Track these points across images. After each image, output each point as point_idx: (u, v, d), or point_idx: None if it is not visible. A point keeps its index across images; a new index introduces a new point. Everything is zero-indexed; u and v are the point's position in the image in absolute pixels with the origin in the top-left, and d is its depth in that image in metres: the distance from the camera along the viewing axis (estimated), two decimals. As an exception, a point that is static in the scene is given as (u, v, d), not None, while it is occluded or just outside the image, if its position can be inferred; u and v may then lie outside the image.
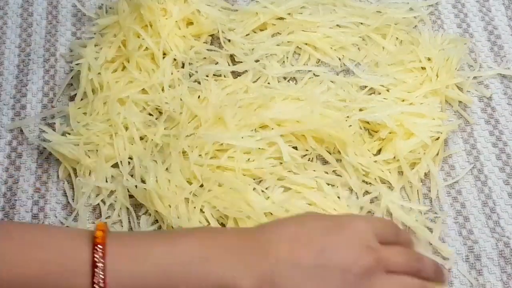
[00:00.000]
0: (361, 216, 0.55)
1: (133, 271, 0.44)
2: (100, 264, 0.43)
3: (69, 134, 0.64)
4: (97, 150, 0.63)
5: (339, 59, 0.70)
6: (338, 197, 0.61)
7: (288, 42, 0.70)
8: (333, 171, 0.63)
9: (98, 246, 0.44)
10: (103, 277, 0.43)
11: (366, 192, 0.62)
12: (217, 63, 0.69)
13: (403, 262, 0.50)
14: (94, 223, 0.61)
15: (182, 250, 0.45)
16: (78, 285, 0.44)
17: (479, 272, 0.59)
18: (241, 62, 0.69)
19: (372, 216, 0.57)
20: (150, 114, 0.66)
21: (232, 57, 0.70)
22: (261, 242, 0.47)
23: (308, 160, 0.62)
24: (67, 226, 0.59)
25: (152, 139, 0.63)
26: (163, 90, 0.66)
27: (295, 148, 0.63)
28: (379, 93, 0.67)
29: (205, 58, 0.69)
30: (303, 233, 0.47)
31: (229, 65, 0.69)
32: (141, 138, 0.64)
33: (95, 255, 0.44)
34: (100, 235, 0.45)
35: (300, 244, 0.46)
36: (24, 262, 0.44)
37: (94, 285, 0.43)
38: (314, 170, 0.62)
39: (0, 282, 0.43)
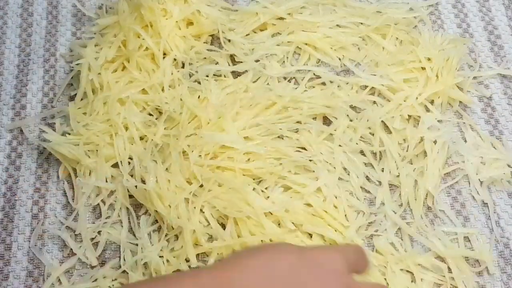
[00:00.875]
0: (332, 249, 0.50)
1: None
2: None
3: (69, 134, 0.64)
4: (97, 150, 0.63)
5: (339, 59, 0.70)
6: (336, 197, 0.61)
7: (288, 42, 0.70)
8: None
9: None
10: None
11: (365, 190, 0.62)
12: (217, 63, 0.69)
13: None
14: (94, 223, 0.61)
15: None
16: None
17: (479, 273, 0.59)
18: (241, 62, 0.69)
19: (341, 246, 0.53)
20: (150, 114, 0.66)
21: (232, 57, 0.69)
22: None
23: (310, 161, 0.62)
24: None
25: (152, 139, 0.63)
26: (163, 90, 0.66)
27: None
28: (379, 93, 0.67)
29: (205, 58, 0.69)
30: (274, 275, 0.42)
31: (229, 65, 0.69)
32: (141, 138, 0.64)
33: None
34: None
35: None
36: None
37: None
38: (313, 171, 0.62)
39: None
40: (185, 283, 0.42)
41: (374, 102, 0.66)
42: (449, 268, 0.58)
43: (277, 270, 0.43)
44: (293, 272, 0.43)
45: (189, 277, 0.44)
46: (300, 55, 0.70)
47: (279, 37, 0.70)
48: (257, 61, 0.69)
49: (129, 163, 0.62)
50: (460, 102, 0.67)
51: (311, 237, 0.59)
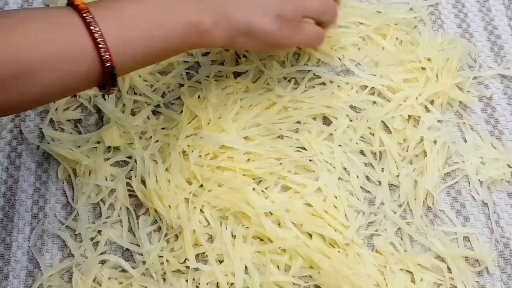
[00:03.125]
0: None
1: (119, 24, 0.50)
2: (91, 21, 0.48)
3: (69, 134, 0.64)
4: (96, 148, 0.63)
5: (339, 59, 0.70)
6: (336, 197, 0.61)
7: (288, 42, 0.70)
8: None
9: (84, 10, 0.48)
10: (99, 32, 0.48)
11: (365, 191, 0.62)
12: (222, 62, 0.69)
13: (318, 7, 0.60)
14: (94, 222, 0.61)
15: (150, 3, 0.52)
16: (82, 47, 0.48)
17: (479, 273, 0.59)
18: (242, 62, 0.69)
19: None
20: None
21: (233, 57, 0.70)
22: None
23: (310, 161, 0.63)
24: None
25: (151, 137, 0.63)
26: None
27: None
28: (379, 93, 0.67)
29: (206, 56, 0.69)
30: None
31: (230, 65, 0.69)
32: (141, 138, 0.64)
33: (85, 17, 0.48)
34: (80, 2, 0.49)
35: None
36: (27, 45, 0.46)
37: (97, 41, 0.47)
38: (313, 171, 0.62)
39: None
40: None
41: (374, 102, 0.66)
42: (448, 268, 0.58)
43: None
44: None
45: None
46: (300, 55, 0.70)
47: (279, 37, 0.70)
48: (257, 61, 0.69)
49: (129, 162, 0.62)
50: (460, 102, 0.67)
51: (311, 237, 0.59)
